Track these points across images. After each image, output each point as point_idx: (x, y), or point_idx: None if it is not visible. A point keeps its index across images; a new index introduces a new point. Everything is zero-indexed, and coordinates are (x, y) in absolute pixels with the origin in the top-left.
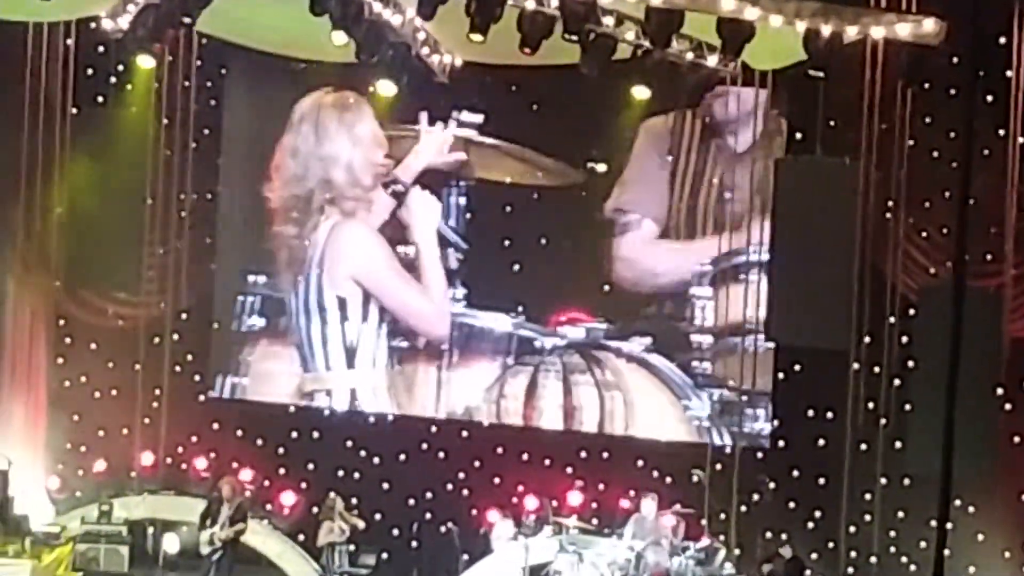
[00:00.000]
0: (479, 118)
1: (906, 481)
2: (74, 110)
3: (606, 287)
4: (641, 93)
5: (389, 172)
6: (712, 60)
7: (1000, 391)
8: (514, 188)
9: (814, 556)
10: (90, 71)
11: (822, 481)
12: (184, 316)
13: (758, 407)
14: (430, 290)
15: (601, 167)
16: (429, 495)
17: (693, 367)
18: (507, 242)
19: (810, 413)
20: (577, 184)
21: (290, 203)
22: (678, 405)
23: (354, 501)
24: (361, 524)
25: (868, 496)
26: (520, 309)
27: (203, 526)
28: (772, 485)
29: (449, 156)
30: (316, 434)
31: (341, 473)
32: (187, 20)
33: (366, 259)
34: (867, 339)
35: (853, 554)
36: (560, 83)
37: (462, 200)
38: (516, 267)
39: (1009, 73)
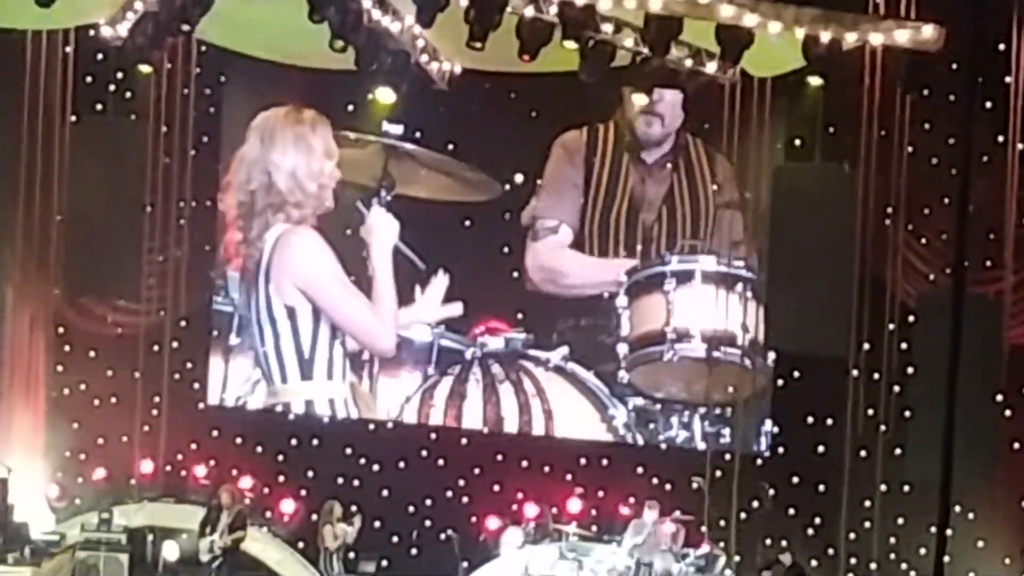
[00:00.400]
0: (399, 128)
1: (906, 488)
2: (73, 117)
3: (524, 296)
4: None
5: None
6: (711, 67)
7: (999, 397)
8: (435, 201)
9: (814, 563)
10: (89, 79)
11: (822, 488)
12: (183, 324)
13: (681, 415)
14: (379, 306)
15: (519, 177)
16: (429, 502)
17: (611, 376)
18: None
19: (810, 420)
20: (496, 197)
21: (235, 209)
22: (596, 413)
23: (354, 508)
24: (354, 528)
25: (868, 503)
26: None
27: (203, 534)
28: (772, 492)
29: None
30: (315, 441)
31: (341, 480)
32: (186, 28)
33: (311, 267)
34: (866, 346)
35: (853, 561)
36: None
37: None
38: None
39: (1008, 79)
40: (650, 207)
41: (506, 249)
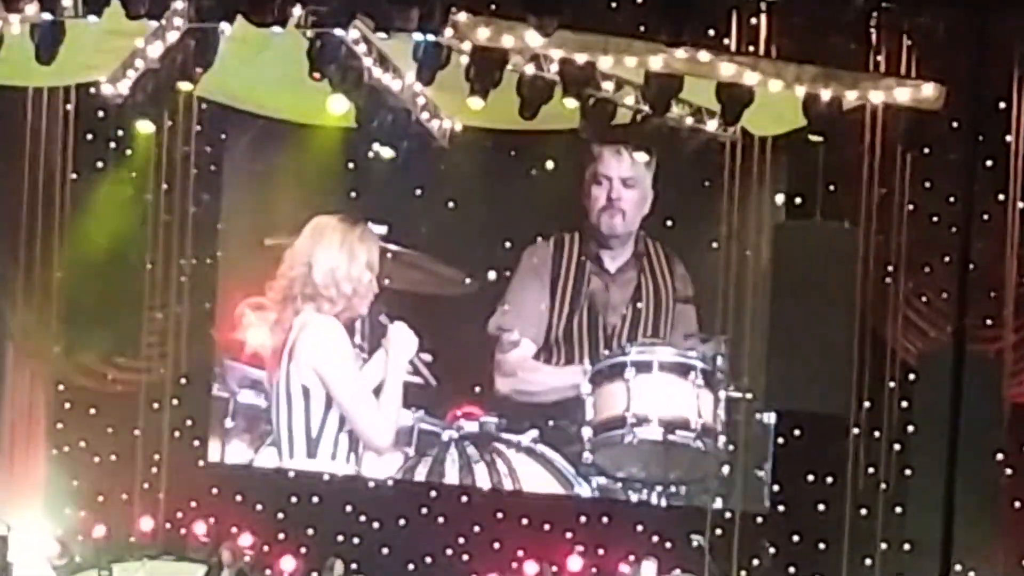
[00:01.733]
0: (384, 229)
1: (906, 546)
2: (74, 175)
3: (490, 384)
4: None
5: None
6: (711, 125)
7: (1000, 456)
8: (412, 295)
9: None
10: (90, 136)
11: (822, 546)
12: (183, 381)
13: (640, 493)
14: (384, 408)
15: (492, 275)
16: (428, 560)
17: (576, 457)
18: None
19: (810, 478)
20: (468, 294)
21: (278, 294)
22: (563, 491)
23: (354, 566)
24: None
25: (868, 561)
26: (420, 404)
27: None
28: (772, 550)
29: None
30: (316, 499)
31: (341, 538)
32: (187, 85)
33: (329, 354)
34: (867, 404)
35: None
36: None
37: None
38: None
39: (1009, 138)
40: (614, 311)
41: (474, 346)
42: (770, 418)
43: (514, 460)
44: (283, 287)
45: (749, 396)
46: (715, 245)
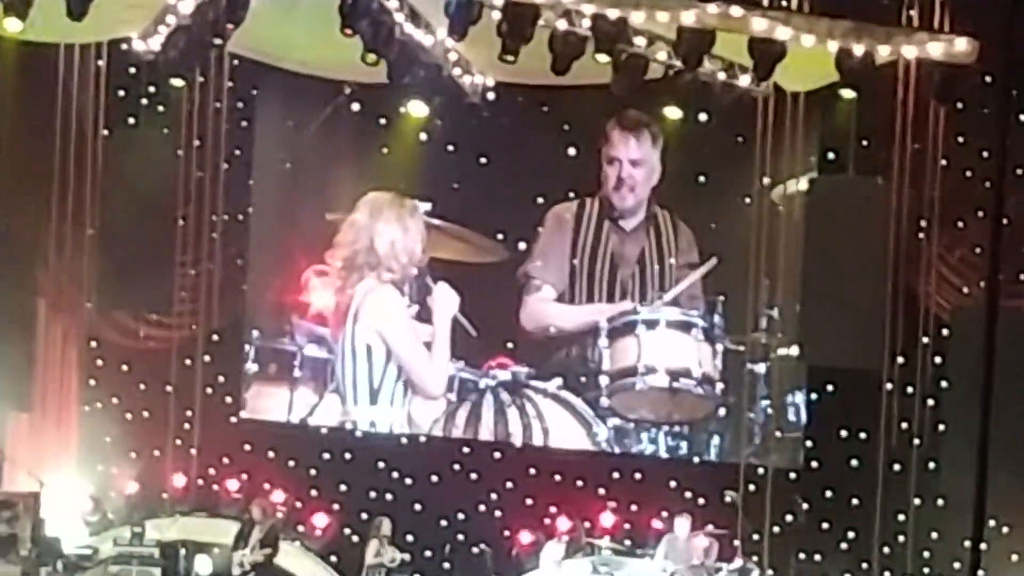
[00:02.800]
0: (428, 205)
1: (940, 501)
2: (105, 132)
3: (520, 338)
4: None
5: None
6: (744, 80)
7: None
8: (452, 263)
9: None
10: (121, 93)
11: (855, 502)
12: (216, 338)
13: (649, 431)
14: (436, 361)
15: (522, 245)
16: (461, 516)
17: (595, 401)
18: None
19: (843, 434)
20: (503, 260)
21: (340, 263)
22: (583, 430)
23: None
24: (399, 558)
25: (902, 517)
26: (460, 356)
27: (236, 548)
28: (805, 506)
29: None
30: (348, 455)
31: (373, 494)
32: (218, 41)
33: (390, 319)
34: (900, 359)
35: (887, 575)
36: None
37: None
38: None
39: None
40: (627, 264)
41: (506, 302)
42: (760, 368)
43: (541, 404)
44: (347, 257)
45: (741, 348)
46: (747, 200)
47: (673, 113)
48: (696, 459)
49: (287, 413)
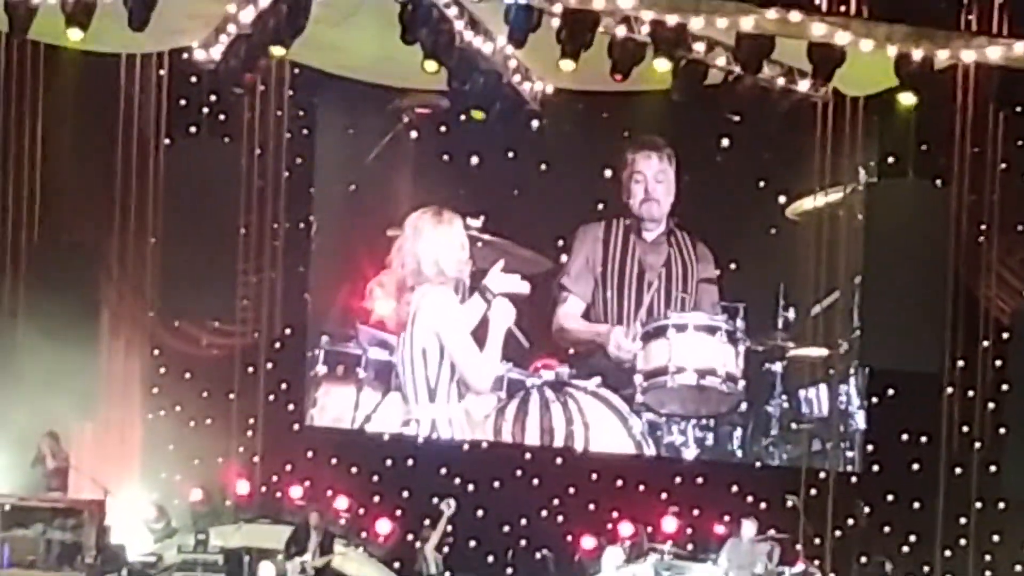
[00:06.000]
0: (479, 222)
1: (1001, 504)
2: (167, 141)
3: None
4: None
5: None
6: (803, 85)
7: None
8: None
9: None
10: (183, 102)
11: (917, 505)
12: (278, 345)
13: (679, 425)
14: (487, 360)
15: (564, 257)
16: (523, 521)
17: (630, 398)
18: None
19: (904, 437)
20: (548, 270)
21: (394, 283)
22: (620, 424)
23: (449, 528)
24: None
25: (963, 520)
26: (510, 358)
27: (288, 554)
28: (867, 510)
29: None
30: (410, 461)
31: (436, 500)
32: (279, 50)
33: (444, 316)
34: (961, 362)
35: None
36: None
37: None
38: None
39: None
40: (652, 271)
41: (546, 311)
42: (776, 367)
43: (582, 401)
44: (398, 278)
45: (760, 349)
46: (810, 206)
47: (732, 118)
48: (758, 464)
49: (353, 411)
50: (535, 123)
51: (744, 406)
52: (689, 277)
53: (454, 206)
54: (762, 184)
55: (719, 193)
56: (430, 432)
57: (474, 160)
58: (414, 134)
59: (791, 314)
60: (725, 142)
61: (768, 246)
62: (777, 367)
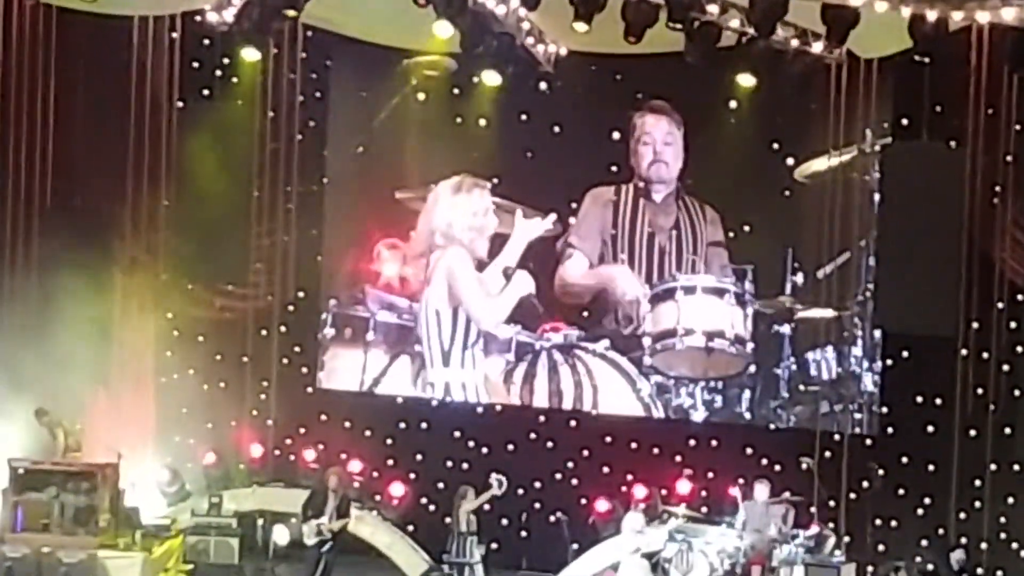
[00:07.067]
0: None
1: (1016, 467)
2: (180, 103)
3: (571, 303)
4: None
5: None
6: (817, 47)
7: None
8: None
9: (924, 542)
10: (195, 64)
11: (931, 468)
12: (291, 308)
13: (687, 387)
14: (497, 303)
15: (572, 220)
16: (538, 485)
17: (638, 360)
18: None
19: (919, 400)
20: (558, 234)
21: (416, 248)
22: (628, 387)
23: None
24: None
25: (978, 482)
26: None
27: (306, 517)
28: (881, 472)
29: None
30: (424, 425)
31: (450, 464)
32: (292, 12)
33: (455, 267)
34: (975, 325)
35: (963, 540)
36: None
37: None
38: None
39: None
40: (662, 232)
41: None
42: (785, 329)
43: (590, 363)
44: (420, 245)
45: (770, 311)
46: (821, 168)
47: (746, 80)
48: (771, 426)
49: (361, 374)
50: (543, 85)
51: (752, 368)
52: (698, 240)
53: (468, 169)
54: (775, 147)
55: (731, 155)
56: (444, 395)
57: (482, 123)
58: (422, 96)
59: (799, 277)
60: (735, 104)
61: (779, 208)
62: (785, 329)
